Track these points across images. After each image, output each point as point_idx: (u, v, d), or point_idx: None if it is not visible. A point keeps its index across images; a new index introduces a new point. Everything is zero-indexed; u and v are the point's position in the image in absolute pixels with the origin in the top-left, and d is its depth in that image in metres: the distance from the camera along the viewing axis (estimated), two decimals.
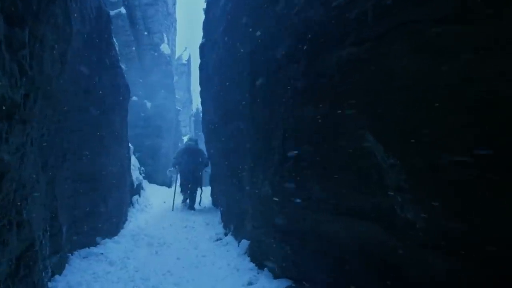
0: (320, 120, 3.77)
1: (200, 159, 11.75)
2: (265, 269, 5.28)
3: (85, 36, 5.50)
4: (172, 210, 11.05)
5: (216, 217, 9.56)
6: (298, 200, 4.34)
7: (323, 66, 3.63)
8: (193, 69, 41.23)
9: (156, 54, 19.42)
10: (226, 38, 7.50)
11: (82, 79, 5.46)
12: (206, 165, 11.83)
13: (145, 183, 13.65)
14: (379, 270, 3.58)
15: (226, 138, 7.68)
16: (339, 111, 3.47)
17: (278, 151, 4.60)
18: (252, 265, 5.57)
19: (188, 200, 11.78)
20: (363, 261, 3.75)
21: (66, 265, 5.33)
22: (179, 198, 12.27)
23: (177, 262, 6.02)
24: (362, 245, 3.73)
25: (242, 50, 6.19)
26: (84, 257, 5.91)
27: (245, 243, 6.16)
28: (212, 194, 11.85)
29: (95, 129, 6.50)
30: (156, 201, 12.74)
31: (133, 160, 11.96)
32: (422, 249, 3.07)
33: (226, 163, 7.80)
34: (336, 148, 3.64)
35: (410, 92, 2.75)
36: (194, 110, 41.92)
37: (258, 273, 5.29)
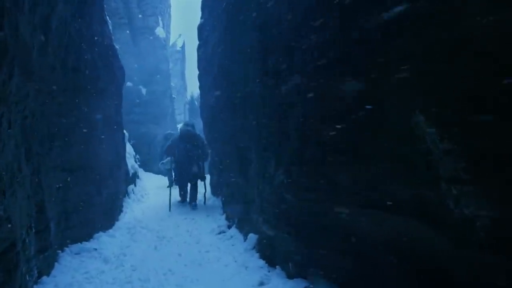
0: (353, 98, 3.21)
1: (200, 147, 9.84)
2: (277, 267, 4.76)
3: (75, 6, 4.86)
4: (169, 210, 9.25)
5: (217, 208, 9.02)
6: (319, 191, 3.80)
7: (362, 30, 3.05)
8: (187, 56, 40.51)
9: (151, 38, 18.72)
10: (230, 14, 6.89)
11: (71, 54, 4.84)
12: (207, 156, 10.03)
13: (140, 172, 13.07)
14: (418, 272, 3.07)
15: (230, 122, 7.11)
16: (382, 86, 2.91)
17: (297, 134, 4.04)
18: (261, 262, 5.05)
19: (188, 199, 9.98)
20: (396, 261, 3.24)
21: (56, 263, 4.78)
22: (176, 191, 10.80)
23: (178, 259, 5.48)
24: (396, 242, 3.21)
25: (250, 24, 5.59)
26: (76, 254, 5.37)
27: (253, 237, 5.62)
28: (211, 183, 11.08)
29: (87, 113, 5.90)
30: (153, 191, 12.19)
31: (128, 147, 11.35)
32: (481, 252, 2.54)
33: (229, 149, 7.23)
34: (373, 131, 3.09)
35: (489, 60, 2.19)
36: (189, 97, 41.28)
37: (269, 272, 4.77)
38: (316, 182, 3.83)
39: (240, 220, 6.62)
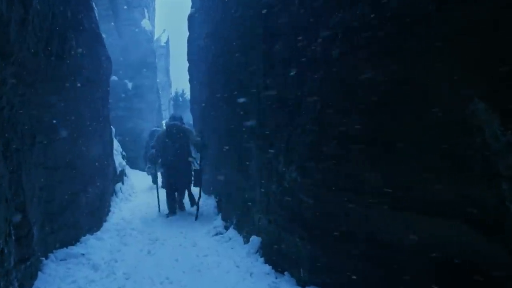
0: (387, 84, 2.79)
1: (193, 143, 8.20)
2: (286, 273, 4.33)
3: None
4: (159, 210, 8.43)
5: (210, 206, 8.52)
6: (341, 191, 3.38)
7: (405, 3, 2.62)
8: (172, 52, 39.81)
9: (136, 30, 18.08)
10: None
11: (55, 39, 4.31)
12: (205, 148, 7.99)
13: (127, 169, 12.50)
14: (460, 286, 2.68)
15: (226, 115, 6.63)
16: (425, 69, 2.49)
17: (312, 127, 3.60)
18: (267, 267, 4.61)
19: (177, 208, 8.46)
20: (434, 272, 2.84)
21: (39, 273, 4.26)
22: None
23: (175, 264, 5.01)
24: (433, 250, 2.81)
25: (251, 11, 5.13)
26: (61, 260, 4.86)
27: (256, 240, 5.17)
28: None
29: (73, 105, 5.37)
30: (141, 189, 11.65)
31: (116, 144, 10.75)
32: None
33: (227, 145, 6.76)
34: (410, 123, 2.67)
35: None
36: (173, 93, 40.61)
37: (276, 278, 4.35)
38: (337, 181, 3.41)
39: (239, 221, 6.17)
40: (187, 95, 27.85)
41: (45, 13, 3.75)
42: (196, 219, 7.72)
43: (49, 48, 4.24)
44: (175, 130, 8.20)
